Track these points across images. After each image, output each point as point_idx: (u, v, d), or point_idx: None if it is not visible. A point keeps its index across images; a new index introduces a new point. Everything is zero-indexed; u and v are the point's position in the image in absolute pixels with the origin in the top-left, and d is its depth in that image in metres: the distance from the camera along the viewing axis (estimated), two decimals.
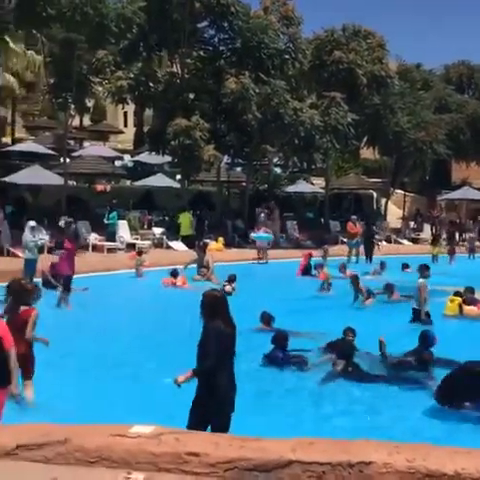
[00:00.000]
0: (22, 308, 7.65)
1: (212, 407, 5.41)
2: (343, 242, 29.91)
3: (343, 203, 37.26)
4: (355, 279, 15.63)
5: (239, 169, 36.32)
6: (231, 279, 16.84)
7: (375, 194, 39.82)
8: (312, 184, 38.65)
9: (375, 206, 39.71)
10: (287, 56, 30.01)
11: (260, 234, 24.29)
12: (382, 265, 20.78)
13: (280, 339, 9.72)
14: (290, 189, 36.98)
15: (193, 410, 5.44)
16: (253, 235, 24.93)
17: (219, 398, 5.47)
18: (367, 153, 40.84)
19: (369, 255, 24.54)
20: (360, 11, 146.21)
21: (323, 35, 32.64)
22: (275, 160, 36.71)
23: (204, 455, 3.76)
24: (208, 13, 28.68)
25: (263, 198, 33.62)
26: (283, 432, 5.14)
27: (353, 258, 24.53)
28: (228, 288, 16.49)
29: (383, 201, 38.75)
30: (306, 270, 20.16)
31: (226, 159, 31.79)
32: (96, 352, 10.21)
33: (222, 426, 5.23)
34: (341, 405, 8.00)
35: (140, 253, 20.26)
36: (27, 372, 7.34)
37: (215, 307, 5.83)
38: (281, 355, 9.56)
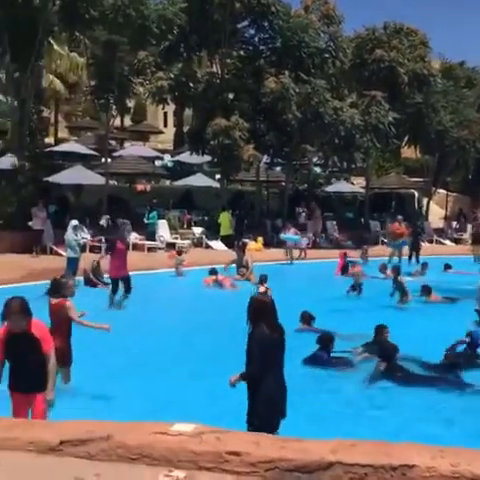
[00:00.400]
0: (54, 300, 7.78)
1: (255, 410, 5.44)
2: (383, 242, 29.62)
3: (385, 203, 36.83)
4: (395, 271, 15.58)
5: (278, 169, 36.23)
6: (262, 280, 16.86)
7: (417, 194, 39.28)
8: (352, 184, 38.36)
9: (417, 206, 39.17)
10: (327, 55, 29.84)
11: (289, 235, 24.20)
12: (424, 266, 20.50)
13: (326, 340, 9.70)
14: (330, 189, 36.77)
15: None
16: (282, 235, 24.88)
17: (263, 403, 5.47)
18: (408, 152, 40.31)
19: (416, 256, 24.21)
20: (402, 9, 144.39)
21: (364, 33, 32.29)
22: (315, 159, 36.51)
23: (245, 454, 3.75)
24: (248, 13, 28.71)
25: (302, 198, 33.50)
26: (324, 433, 5.10)
27: (395, 259, 24.23)
28: (261, 289, 16.51)
29: (425, 201, 38.19)
30: (345, 269, 20.02)
31: (265, 159, 31.75)
32: (150, 350, 10.33)
33: (260, 429, 5.24)
34: (384, 407, 7.89)
35: (180, 252, 20.39)
36: (64, 362, 7.46)
37: (261, 312, 5.77)
38: (326, 356, 9.52)
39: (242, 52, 30.65)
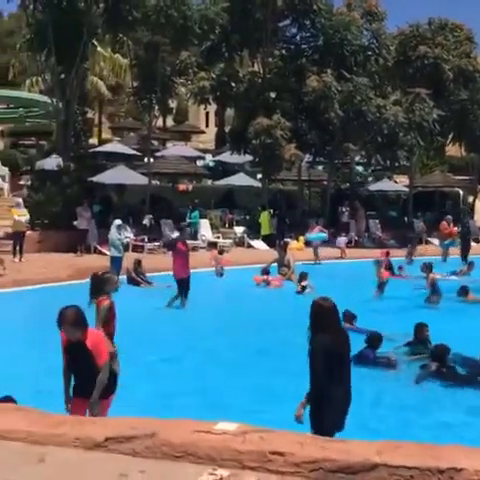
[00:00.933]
0: (99, 298, 7.80)
1: (320, 420, 5.28)
2: (428, 242, 29.16)
3: (429, 201, 36.24)
4: (427, 268, 15.45)
5: (320, 168, 36.02)
6: (302, 277, 16.86)
7: (462, 192, 38.53)
8: (395, 182, 37.86)
9: (462, 204, 38.41)
10: (370, 52, 29.60)
11: (314, 234, 24.00)
12: (470, 265, 20.13)
13: (375, 339, 9.62)
14: (373, 187, 36.37)
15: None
16: (307, 236, 24.74)
17: (330, 414, 5.27)
18: (453, 150, 39.59)
19: (465, 255, 23.75)
20: (447, 4, 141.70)
21: (408, 30, 31.89)
22: (357, 158, 36.16)
23: (289, 454, 3.73)
24: (290, 11, 28.65)
25: (345, 197, 33.23)
26: (369, 434, 5.06)
27: (440, 257, 23.84)
28: (302, 285, 16.55)
29: (470, 199, 37.45)
30: (388, 269, 19.75)
31: (307, 158, 31.60)
32: (210, 349, 10.43)
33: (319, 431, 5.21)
34: (431, 408, 7.74)
35: (221, 252, 20.43)
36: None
37: (321, 317, 5.47)
38: (372, 355, 9.44)
39: (284, 51, 30.58)
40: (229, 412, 6.42)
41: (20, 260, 19.67)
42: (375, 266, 16.52)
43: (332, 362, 5.33)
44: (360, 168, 40.04)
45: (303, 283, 16.68)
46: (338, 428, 5.31)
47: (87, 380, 5.62)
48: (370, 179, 38.96)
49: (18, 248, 19.96)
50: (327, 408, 5.29)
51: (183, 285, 14.19)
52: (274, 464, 3.71)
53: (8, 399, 5.61)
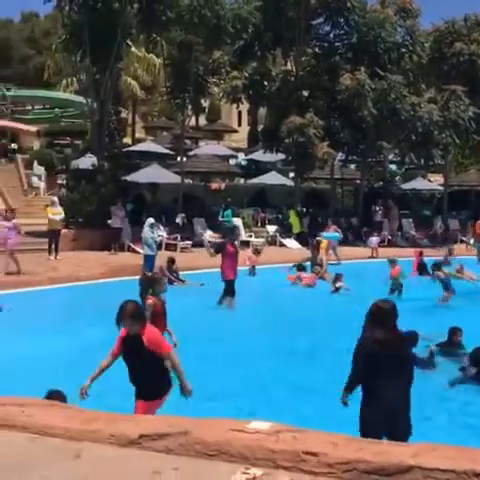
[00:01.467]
0: (150, 299, 7.85)
1: (363, 417, 5.32)
2: (462, 241, 28.74)
3: (464, 200, 35.70)
4: (436, 267, 15.37)
5: (353, 166, 35.76)
6: (337, 278, 16.78)
7: None
8: (429, 181, 37.39)
9: None
10: (404, 50, 29.27)
11: (329, 234, 23.80)
12: None
13: (412, 339, 9.54)
14: (406, 186, 35.98)
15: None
16: (324, 234, 24.53)
17: (370, 412, 5.29)
18: None
19: None
20: None
21: (443, 26, 31.39)
22: (390, 157, 35.83)
23: (322, 455, 3.71)
24: (324, 9, 28.50)
25: (378, 196, 32.94)
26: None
27: (475, 258, 23.47)
28: (333, 289, 16.50)
29: None
30: (421, 269, 19.55)
31: (340, 156, 31.40)
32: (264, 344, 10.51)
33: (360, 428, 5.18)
34: (468, 410, 7.65)
35: (256, 252, 20.40)
36: None
37: (375, 317, 5.53)
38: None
39: (317, 49, 30.41)
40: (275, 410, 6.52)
41: (55, 258, 19.97)
42: (390, 265, 16.32)
43: (368, 360, 5.32)
44: (393, 166, 39.64)
45: (337, 284, 16.61)
46: (386, 429, 5.21)
47: (143, 379, 5.72)
48: (400, 178, 38.50)
49: (53, 246, 20.27)
50: (367, 407, 5.32)
51: (231, 286, 14.06)
52: (307, 464, 3.70)
53: (57, 393, 5.66)
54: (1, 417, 4.25)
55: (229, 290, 14.03)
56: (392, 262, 16.51)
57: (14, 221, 17.51)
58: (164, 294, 8.60)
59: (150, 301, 7.72)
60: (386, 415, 5.26)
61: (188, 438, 3.90)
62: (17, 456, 3.76)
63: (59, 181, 29.57)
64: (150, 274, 7.95)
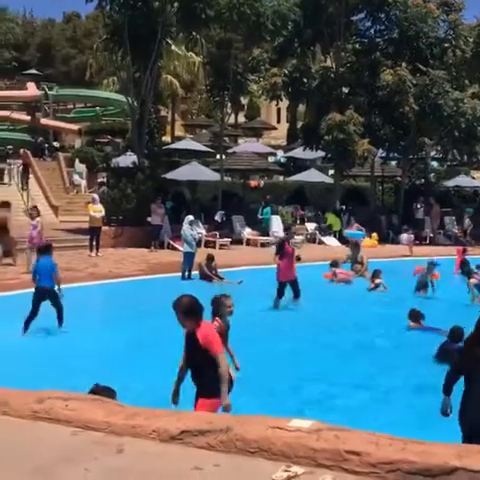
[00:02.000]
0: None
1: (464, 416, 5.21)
2: None
3: None
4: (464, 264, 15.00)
5: (394, 163, 35.32)
6: (376, 274, 16.61)
7: None
8: (473, 178, 36.69)
9: None
10: (447, 44, 28.78)
11: (352, 231, 23.48)
12: None
13: (458, 334, 9.42)
14: (448, 183, 35.38)
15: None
16: (347, 232, 24.22)
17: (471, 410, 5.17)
18: None
19: None
20: None
21: None
22: (432, 153, 35.27)
23: (365, 454, 3.67)
24: (364, 5, 28.23)
25: (419, 193, 32.47)
26: (451, 436, 4.94)
27: None
28: (372, 285, 16.33)
29: None
30: (464, 266, 19.18)
31: (380, 153, 31.07)
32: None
33: (470, 439, 4.99)
34: None
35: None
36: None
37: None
38: (457, 348, 9.27)
39: (357, 45, 30.12)
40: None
41: (96, 255, 20.24)
42: (429, 267, 15.94)
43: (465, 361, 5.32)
44: (435, 163, 39.04)
45: (376, 281, 16.48)
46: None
47: (198, 376, 5.69)
48: (442, 175, 37.86)
49: (94, 243, 20.55)
50: (466, 405, 5.23)
51: (284, 287, 13.83)
52: (350, 463, 3.65)
53: (104, 389, 5.64)
54: (45, 411, 4.32)
55: (284, 291, 13.78)
56: (431, 264, 15.98)
57: (38, 219, 17.16)
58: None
59: (216, 323, 7.67)
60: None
61: (229, 435, 3.90)
62: (61, 449, 3.82)
63: (99, 179, 29.93)
64: (219, 296, 7.81)
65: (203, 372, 5.66)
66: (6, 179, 32.29)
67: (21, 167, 31.34)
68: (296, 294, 13.93)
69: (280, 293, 13.88)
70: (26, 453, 3.80)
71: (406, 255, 23.45)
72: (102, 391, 5.42)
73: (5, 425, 4.26)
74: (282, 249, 14.02)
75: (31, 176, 30.97)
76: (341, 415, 6.83)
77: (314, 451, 3.76)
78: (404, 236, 24.90)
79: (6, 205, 19.80)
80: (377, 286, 16.39)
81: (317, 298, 15.38)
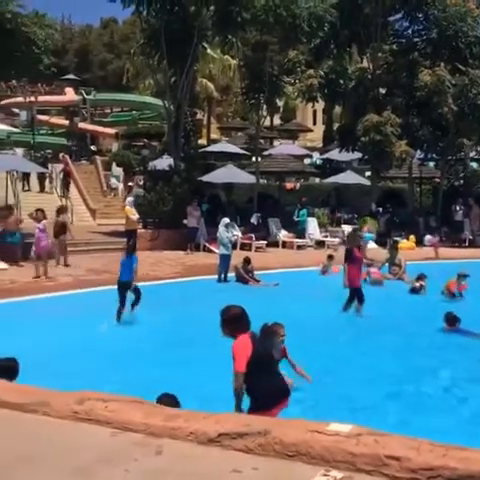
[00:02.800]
0: None
1: None
2: None
3: None
4: None
5: (432, 164, 34.87)
6: (420, 277, 16.38)
7: None
8: None
9: None
10: None
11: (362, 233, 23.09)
12: None
13: None
14: None
15: None
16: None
17: None
18: None
19: None
20: None
21: None
22: (472, 154, 34.70)
23: (405, 460, 3.61)
24: (402, 5, 27.96)
25: (458, 195, 31.98)
26: None
27: None
28: (417, 285, 16.10)
29: None
30: None
31: (418, 154, 30.70)
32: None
33: None
34: None
35: (331, 257, 20.16)
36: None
37: None
38: None
39: (394, 45, 29.84)
40: None
41: None
42: (459, 279, 15.47)
43: None
44: (475, 164, 38.39)
45: (419, 283, 16.24)
46: None
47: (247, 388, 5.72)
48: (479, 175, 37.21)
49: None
50: None
51: (356, 293, 13.66)
52: (390, 469, 3.60)
53: (170, 396, 5.64)
54: (85, 412, 4.36)
55: (354, 297, 13.58)
56: (461, 277, 15.39)
57: (44, 222, 16.74)
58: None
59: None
60: None
61: (267, 438, 3.88)
62: (101, 450, 3.85)
63: (129, 183, 30.01)
64: (271, 325, 7.83)
65: (246, 385, 5.68)
66: (47, 188, 31.87)
67: (61, 174, 31.39)
68: (360, 301, 13.63)
69: (353, 298, 13.61)
70: (66, 454, 3.84)
71: (430, 258, 22.91)
72: (165, 400, 5.40)
73: (46, 425, 4.32)
74: (351, 256, 13.78)
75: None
76: (379, 418, 6.75)
77: (353, 456, 3.72)
78: (427, 237, 24.44)
79: (64, 210, 20.11)
80: (421, 288, 16.18)
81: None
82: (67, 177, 31.01)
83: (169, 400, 5.45)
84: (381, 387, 8.43)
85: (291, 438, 3.90)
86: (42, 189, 31.40)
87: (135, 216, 21.30)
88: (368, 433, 3.99)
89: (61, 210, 19.79)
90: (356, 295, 13.57)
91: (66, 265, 18.28)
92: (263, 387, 5.74)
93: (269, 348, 6.33)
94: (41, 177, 31.18)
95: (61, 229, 18.51)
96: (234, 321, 5.71)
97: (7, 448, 3.93)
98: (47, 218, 17.96)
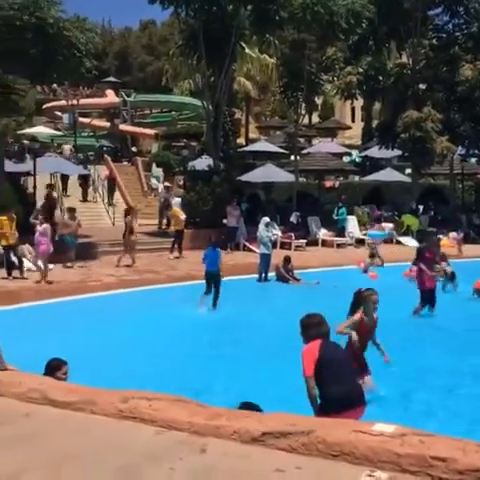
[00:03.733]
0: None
1: None
2: None
3: None
4: None
5: (474, 160, 34.27)
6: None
7: None
8: None
9: None
10: None
11: (374, 232, 22.64)
12: None
13: None
14: None
15: None
16: (368, 233, 23.45)
17: None
18: None
19: None
20: None
21: None
22: None
23: (451, 461, 3.57)
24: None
25: None
26: None
27: None
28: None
29: None
30: None
31: (460, 150, 30.19)
32: None
33: None
34: None
35: (372, 256, 19.97)
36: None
37: None
38: None
39: (434, 40, 29.41)
40: None
41: (179, 257, 20.62)
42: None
43: None
44: None
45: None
46: None
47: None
48: None
49: (176, 246, 20.94)
50: None
51: (429, 295, 13.31)
52: (436, 470, 3.56)
53: (251, 406, 5.59)
54: (130, 410, 4.43)
55: (427, 299, 13.25)
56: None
57: (45, 226, 16.46)
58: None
59: (357, 316, 7.71)
60: None
61: (311, 437, 3.88)
62: (146, 449, 3.90)
63: (165, 183, 29.95)
64: (364, 290, 7.89)
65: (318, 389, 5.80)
66: (90, 195, 30.59)
67: (106, 181, 30.44)
68: (432, 304, 13.32)
69: (425, 301, 13.31)
70: (112, 452, 3.90)
71: (453, 255, 22.26)
72: (247, 408, 5.41)
73: (92, 423, 4.40)
74: (422, 257, 13.51)
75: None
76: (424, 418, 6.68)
77: (398, 456, 3.69)
78: (451, 234, 23.90)
79: (131, 211, 20.44)
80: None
81: (401, 299, 15.04)
82: (112, 184, 30.25)
83: (250, 408, 5.45)
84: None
85: (335, 438, 3.89)
86: (85, 197, 30.10)
87: (183, 216, 21.55)
88: (413, 433, 3.95)
89: (128, 212, 20.20)
90: (427, 296, 13.21)
91: (128, 265, 18.43)
92: (329, 393, 5.79)
93: (339, 354, 6.30)
94: (83, 183, 30.06)
95: (128, 230, 18.96)
96: (307, 328, 5.99)
97: (55, 446, 4.01)
98: (77, 219, 18.75)
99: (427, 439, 3.90)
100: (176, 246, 20.97)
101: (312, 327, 5.98)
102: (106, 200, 29.35)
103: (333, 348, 6.13)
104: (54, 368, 6.30)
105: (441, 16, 29.13)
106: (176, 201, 22.70)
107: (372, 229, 23.42)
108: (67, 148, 36.51)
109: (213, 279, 13.98)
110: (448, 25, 29.26)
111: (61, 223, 19.20)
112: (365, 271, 18.86)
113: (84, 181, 30.39)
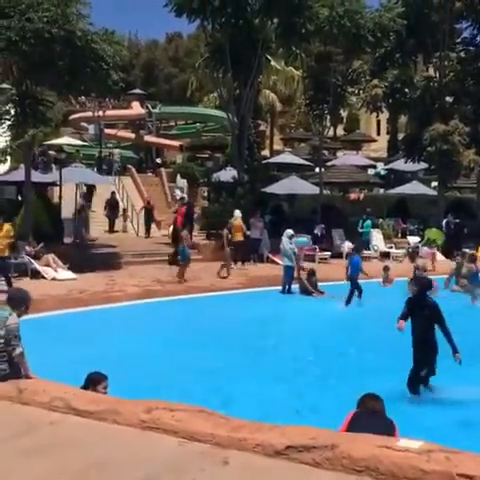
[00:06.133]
0: None
1: None
2: None
3: None
4: None
5: None
6: None
7: None
8: None
9: None
10: None
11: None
12: None
13: None
14: None
15: None
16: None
17: None
18: None
19: None
20: None
21: None
22: None
23: (479, 478, 3.50)
24: (469, 12, 27.39)
25: None
26: None
27: None
28: None
29: None
30: None
31: None
32: None
33: None
34: None
35: (386, 268, 19.84)
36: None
37: None
38: None
39: (462, 53, 29.22)
40: None
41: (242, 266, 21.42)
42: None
43: None
44: None
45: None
46: None
47: None
48: None
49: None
50: None
51: None
52: None
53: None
54: (153, 420, 4.42)
55: None
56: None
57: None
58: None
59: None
60: None
61: (335, 452, 3.84)
62: (168, 459, 3.89)
63: (183, 195, 29.80)
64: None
65: None
66: (120, 224, 28.67)
67: (143, 210, 28.48)
68: None
69: None
70: (134, 462, 3.90)
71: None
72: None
73: (115, 433, 4.40)
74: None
75: (133, 188, 31.96)
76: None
77: (424, 473, 3.63)
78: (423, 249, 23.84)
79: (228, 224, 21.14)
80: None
81: None
82: (150, 215, 28.28)
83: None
84: None
85: (360, 453, 3.84)
86: (111, 228, 28.02)
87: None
88: (439, 450, 3.89)
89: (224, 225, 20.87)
90: None
91: (224, 277, 19.28)
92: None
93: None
94: (109, 213, 28.11)
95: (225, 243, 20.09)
96: (358, 401, 5.90)
97: (77, 456, 4.02)
98: None
99: (454, 456, 3.83)
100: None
101: (359, 403, 5.89)
102: (141, 233, 27.75)
103: (365, 422, 5.55)
104: (94, 382, 6.22)
105: (469, 29, 29.02)
106: (237, 214, 22.16)
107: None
108: (117, 152, 37.04)
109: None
110: (476, 38, 29.05)
111: None
112: (383, 283, 18.80)
113: (110, 209, 28.45)
